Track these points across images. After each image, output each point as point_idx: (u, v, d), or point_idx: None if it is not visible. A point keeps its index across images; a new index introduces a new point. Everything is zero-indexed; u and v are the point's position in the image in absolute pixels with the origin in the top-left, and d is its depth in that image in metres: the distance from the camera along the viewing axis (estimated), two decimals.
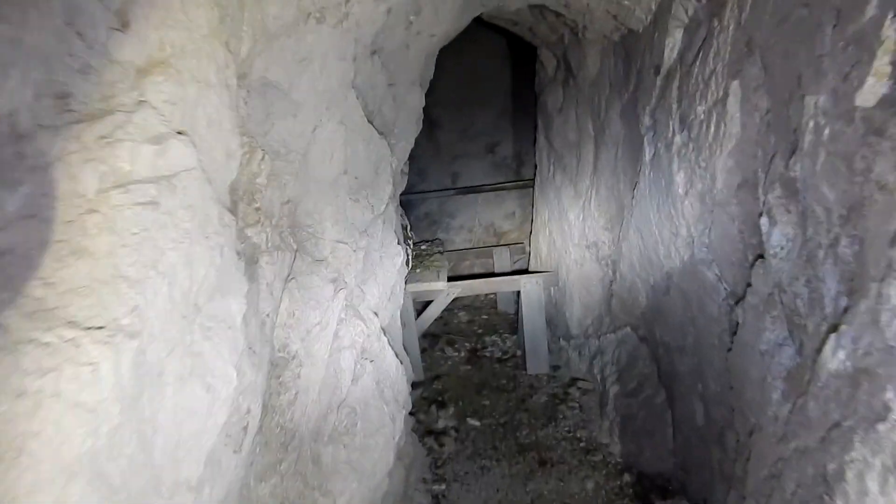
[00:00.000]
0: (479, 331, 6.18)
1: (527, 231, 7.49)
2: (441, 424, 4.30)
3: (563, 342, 5.37)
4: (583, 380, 4.81)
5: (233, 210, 1.69)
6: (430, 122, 7.34)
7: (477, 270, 7.55)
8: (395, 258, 2.92)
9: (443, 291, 4.85)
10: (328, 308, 2.08)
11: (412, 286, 4.71)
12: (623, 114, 3.69)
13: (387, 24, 2.41)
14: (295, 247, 2.06)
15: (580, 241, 4.77)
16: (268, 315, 1.91)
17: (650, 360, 4.05)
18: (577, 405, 4.53)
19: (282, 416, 1.96)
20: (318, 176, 2.04)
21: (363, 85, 2.33)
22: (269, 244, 1.90)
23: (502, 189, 7.30)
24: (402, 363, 2.90)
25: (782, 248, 2.00)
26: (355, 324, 2.30)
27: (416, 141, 7.67)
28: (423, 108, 7.48)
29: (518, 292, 5.36)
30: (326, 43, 2.01)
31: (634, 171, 3.58)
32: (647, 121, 3.23)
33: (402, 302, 3.51)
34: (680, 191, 2.87)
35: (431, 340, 5.81)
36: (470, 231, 7.56)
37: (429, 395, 4.79)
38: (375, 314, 2.57)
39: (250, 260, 1.82)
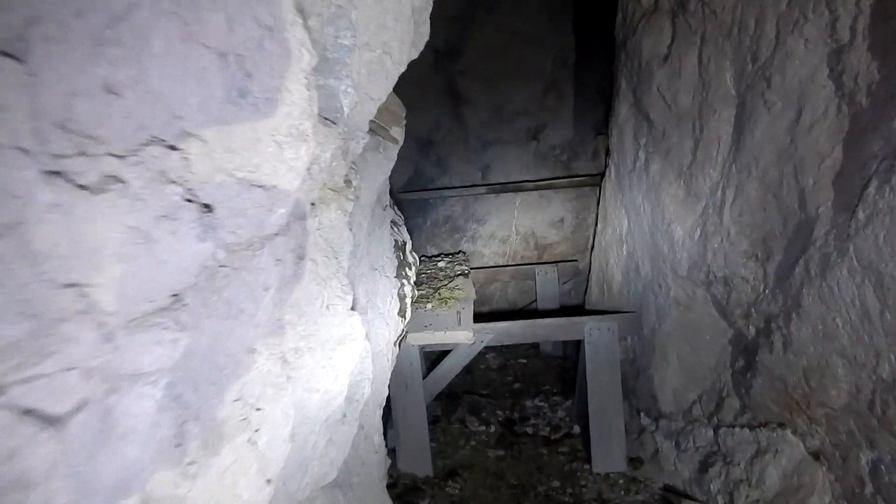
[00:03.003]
0: (516, 386, 4.38)
1: (578, 244, 5.67)
2: None
3: (645, 420, 3.54)
4: (688, 497, 2.98)
5: None
6: (455, 96, 5.59)
7: (511, 294, 5.75)
8: (343, 347, 1.15)
9: (466, 342, 3.06)
10: None
11: (417, 336, 2.95)
12: (836, 37, 1.87)
13: None
14: None
15: (691, 271, 2.94)
16: None
17: (839, 500, 2.24)
18: None
19: None
20: None
21: None
22: None
23: (549, 187, 5.50)
24: None
25: None
26: None
27: (436, 120, 5.91)
28: (446, 78, 5.74)
29: (579, 341, 3.56)
30: None
31: (868, 148, 1.76)
32: None
33: (380, 403, 1.77)
34: None
35: (447, 404, 4.02)
36: (504, 242, 5.76)
37: None
38: None
39: None
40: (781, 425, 2.48)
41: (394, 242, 2.36)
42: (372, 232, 1.73)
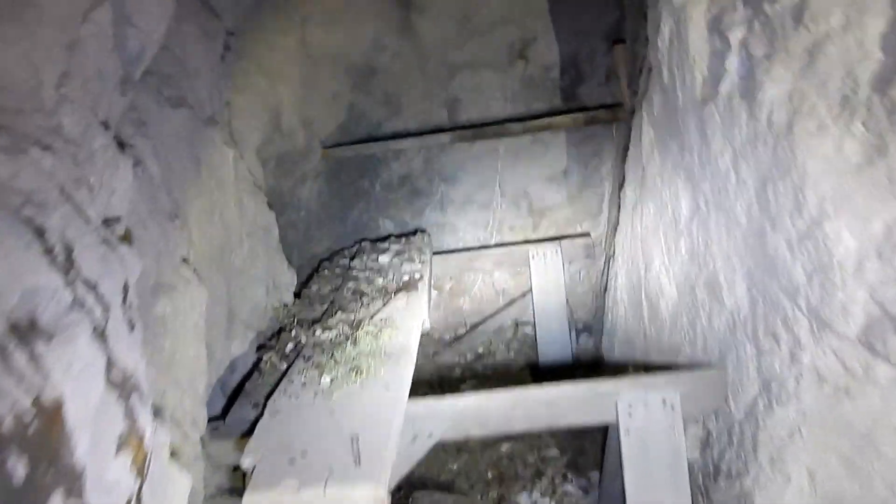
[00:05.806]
0: (505, 450, 2.81)
1: (589, 207, 4.02)
2: None
3: None
4: None
5: None
6: (402, 3, 3.79)
7: (498, 288, 4.12)
8: None
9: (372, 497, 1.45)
10: None
11: (259, 500, 1.36)
12: None
13: None
14: None
15: (873, 329, 1.29)
16: None
17: None
18: None
19: None
20: None
21: None
22: None
23: (545, 128, 3.79)
24: None
25: None
26: None
27: (375, 39, 3.73)
28: None
29: (615, 412, 1.96)
30: None
31: None
32: None
33: None
34: None
35: None
36: (485, 208, 4.10)
37: None
38: None
39: None
40: None
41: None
42: None
